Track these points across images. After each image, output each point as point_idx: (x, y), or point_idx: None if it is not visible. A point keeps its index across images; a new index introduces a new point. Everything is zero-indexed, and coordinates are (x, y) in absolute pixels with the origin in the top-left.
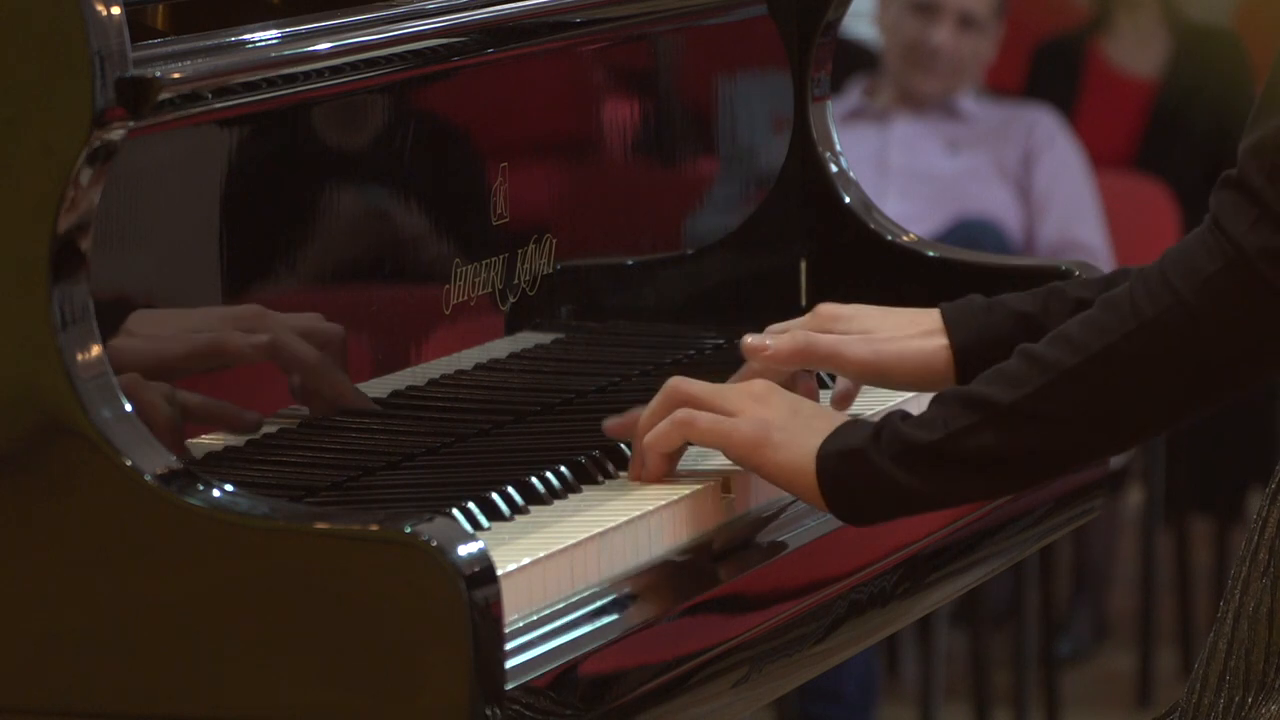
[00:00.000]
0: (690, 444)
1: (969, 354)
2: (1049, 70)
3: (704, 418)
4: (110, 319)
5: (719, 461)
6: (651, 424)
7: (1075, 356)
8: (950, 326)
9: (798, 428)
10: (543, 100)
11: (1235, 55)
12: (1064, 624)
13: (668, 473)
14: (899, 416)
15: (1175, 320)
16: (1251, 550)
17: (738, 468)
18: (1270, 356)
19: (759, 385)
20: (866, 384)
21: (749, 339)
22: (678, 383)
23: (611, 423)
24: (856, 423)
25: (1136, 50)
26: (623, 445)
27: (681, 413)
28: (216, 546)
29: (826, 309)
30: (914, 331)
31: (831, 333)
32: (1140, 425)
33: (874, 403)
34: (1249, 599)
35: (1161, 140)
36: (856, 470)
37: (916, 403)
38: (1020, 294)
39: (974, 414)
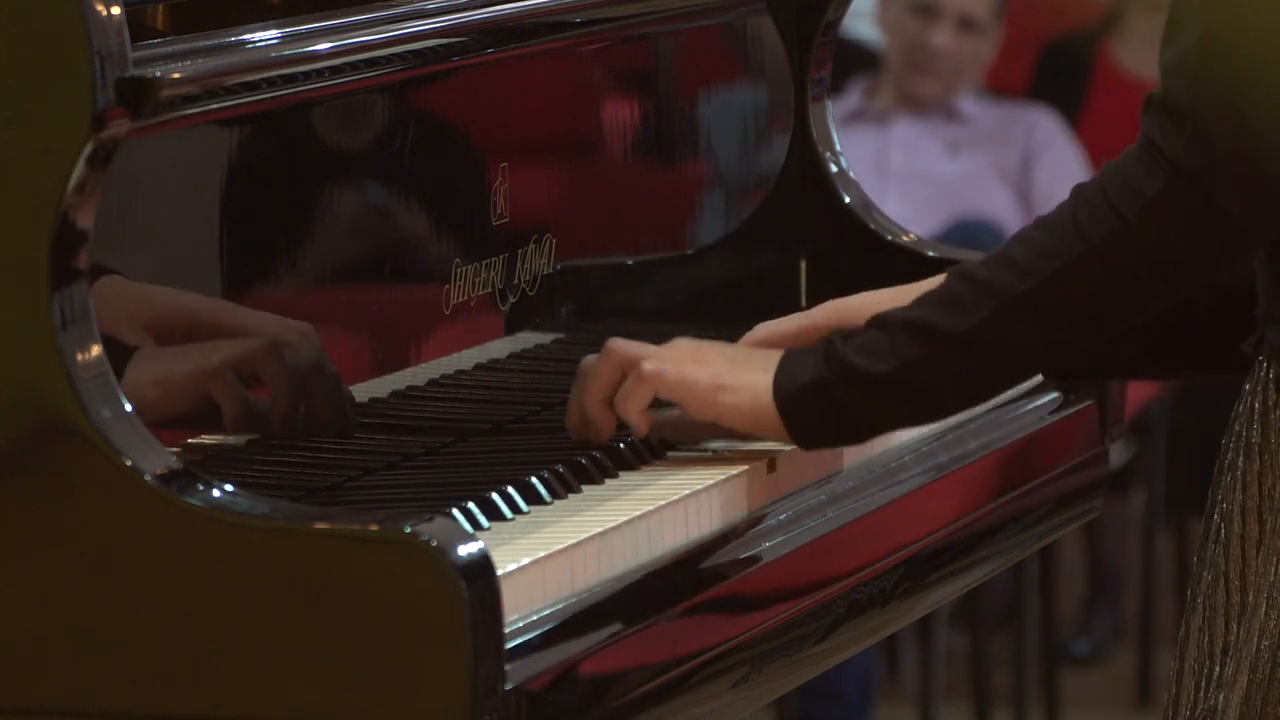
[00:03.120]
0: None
1: None
2: (1057, 70)
3: (670, 373)
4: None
5: (717, 462)
6: (602, 388)
7: (1025, 281)
8: None
9: (744, 371)
10: (543, 100)
11: None
12: (1082, 625)
13: (648, 423)
14: (841, 338)
15: (1122, 242)
16: (1204, 531)
17: (738, 470)
18: (1215, 258)
19: (687, 343)
20: None
21: None
22: (619, 345)
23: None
24: (797, 355)
25: (1146, 53)
26: (621, 445)
27: (649, 366)
28: (216, 546)
29: (835, 304)
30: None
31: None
32: (1093, 337)
33: None
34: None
35: None
36: (817, 405)
37: None
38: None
39: (925, 343)
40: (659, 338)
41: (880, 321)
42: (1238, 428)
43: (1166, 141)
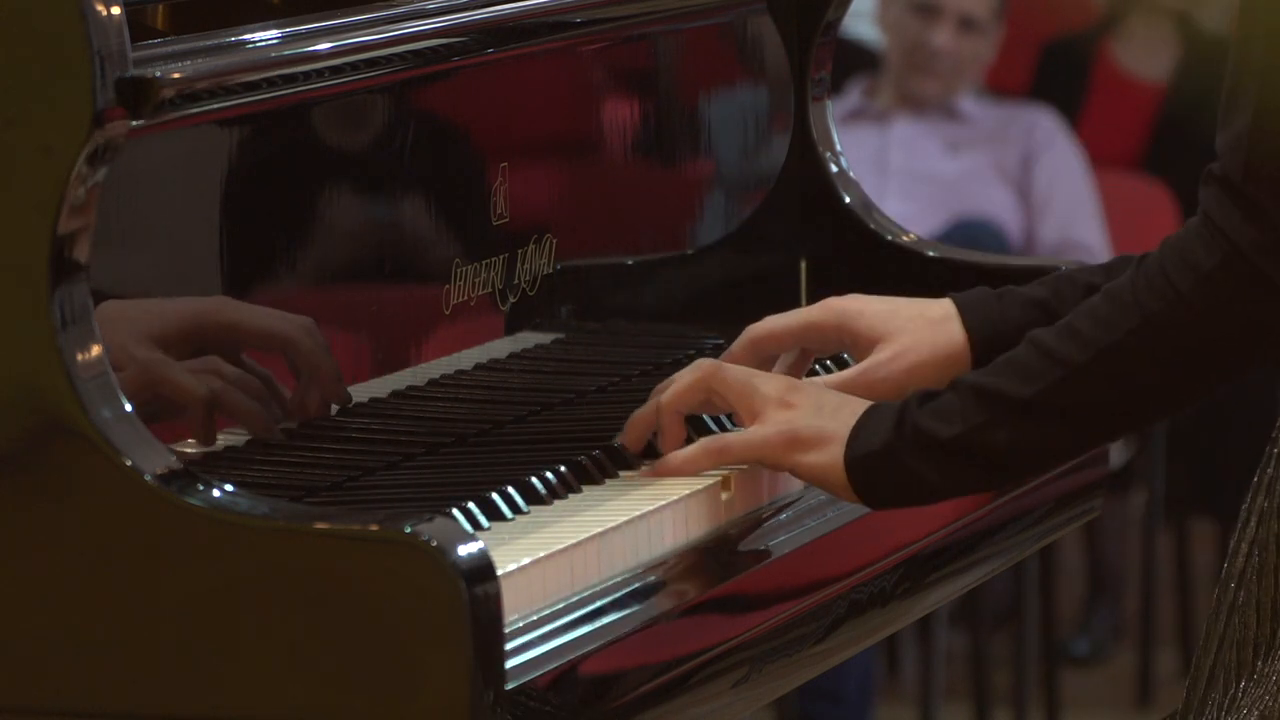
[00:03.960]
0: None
1: (986, 341)
2: (1057, 70)
3: (736, 443)
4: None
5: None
6: (677, 402)
7: (1085, 352)
8: (965, 314)
9: (825, 424)
10: (543, 100)
11: None
12: (1082, 625)
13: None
14: (917, 402)
15: (1176, 316)
16: (1236, 545)
17: (738, 467)
18: (1270, 342)
19: (786, 382)
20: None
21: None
22: (713, 369)
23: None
24: (878, 411)
25: (1146, 54)
26: (620, 445)
27: (715, 441)
28: (216, 546)
29: (833, 304)
30: (926, 324)
31: (842, 328)
32: (1147, 414)
33: None
34: (1240, 593)
35: (1167, 144)
36: (885, 468)
37: None
38: (1030, 284)
39: (990, 409)
40: (659, 338)
41: (955, 385)
42: None
43: (1223, 217)
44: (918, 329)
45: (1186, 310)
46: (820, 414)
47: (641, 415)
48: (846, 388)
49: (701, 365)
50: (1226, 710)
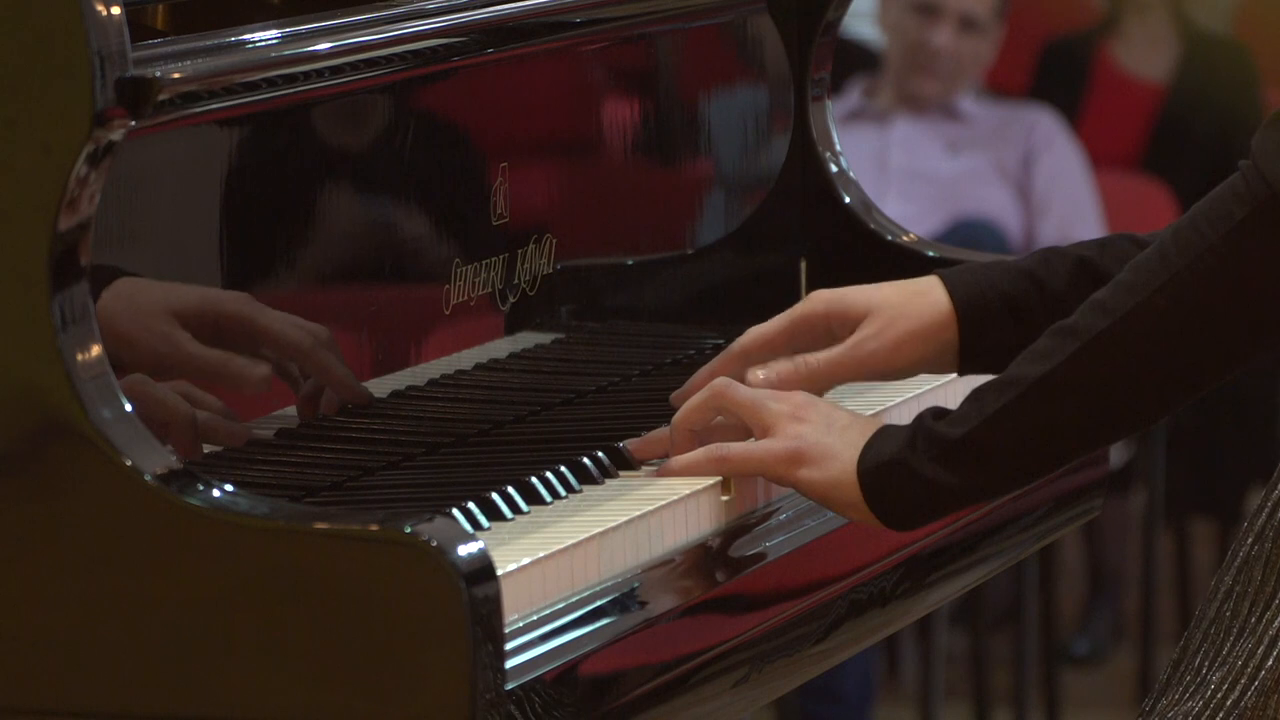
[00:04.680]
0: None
1: (971, 306)
2: (1057, 70)
3: (736, 452)
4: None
5: None
6: (689, 418)
7: (1107, 319)
8: (947, 282)
9: (833, 442)
10: (543, 100)
11: (1243, 64)
12: (1082, 625)
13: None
14: (931, 416)
15: (1206, 266)
16: (1263, 501)
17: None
18: None
19: (798, 399)
20: (875, 380)
21: (757, 373)
22: (723, 388)
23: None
24: (889, 430)
25: (1146, 54)
26: (621, 445)
27: (716, 449)
28: (216, 546)
29: (817, 294)
30: (910, 295)
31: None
32: (1177, 384)
33: (895, 394)
34: (1255, 547)
35: (1167, 144)
36: (898, 479)
37: (942, 394)
38: (1017, 257)
39: (1006, 394)
40: (659, 338)
41: (976, 390)
42: None
43: (1270, 162)
44: (902, 299)
45: (1216, 259)
46: (830, 431)
47: (658, 434)
48: (836, 364)
49: (714, 385)
50: (1214, 665)
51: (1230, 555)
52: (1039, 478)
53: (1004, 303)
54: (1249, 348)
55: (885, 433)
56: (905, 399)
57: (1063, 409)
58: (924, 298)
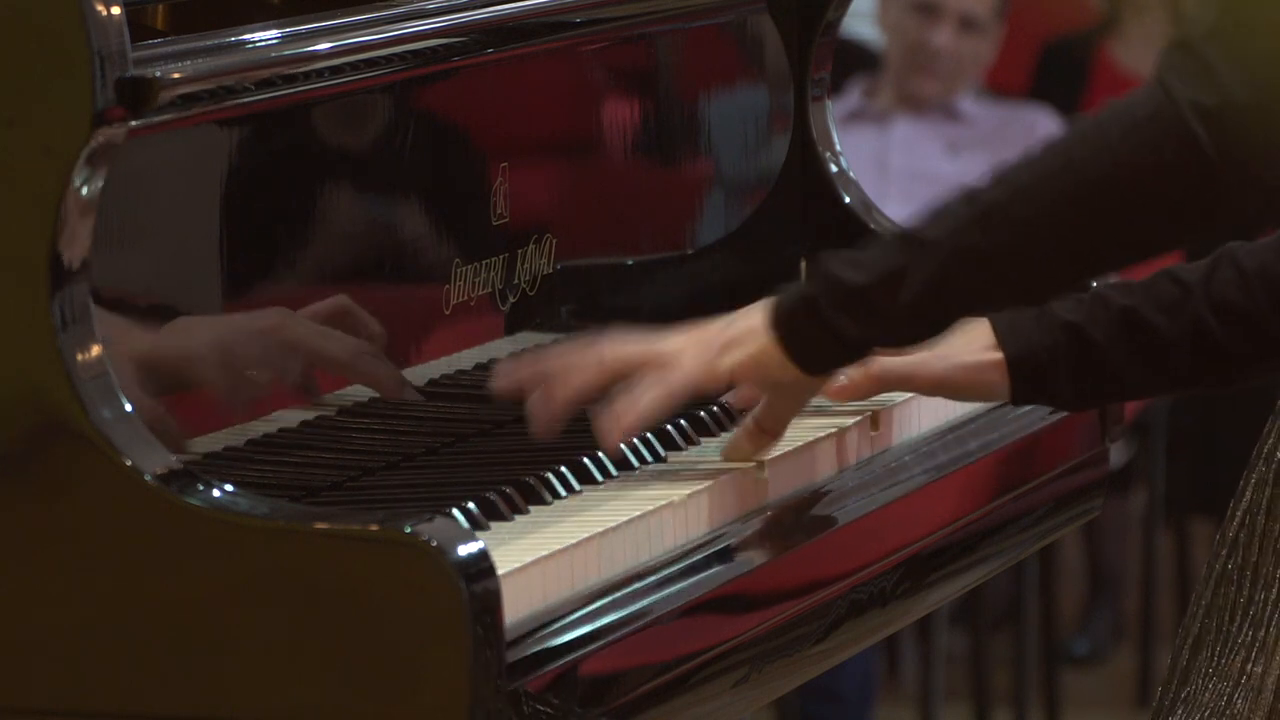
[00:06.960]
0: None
1: (1021, 364)
2: (1057, 70)
3: (674, 380)
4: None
5: (717, 462)
6: (575, 395)
7: (1003, 192)
8: (1001, 338)
9: (739, 322)
10: (543, 100)
11: None
12: (1082, 625)
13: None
14: (829, 256)
15: (1099, 161)
16: (1230, 513)
17: (738, 466)
18: (1192, 219)
19: (682, 331)
20: (933, 395)
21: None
22: (615, 352)
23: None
24: (789, 285)
25: (1146, 54)
26: (621, 447)
27: (653, 385)
28: (216, 546)
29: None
30: (975, 347)
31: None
32: (1060, 270)
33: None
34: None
35: None
36: (806, 320)
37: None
38: (1065, 302)
39: (903, 252)
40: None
41: (880, 237)
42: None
43: (1170, 71)
44: (957, 342)
45: (1111, 158)
46: (731, 322)
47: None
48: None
49: (595, 351)
50: (1212, 677)
51: (1206, 569)
52: (942, 331)
53: (1054, 360)
54: (1136, 251)
55: (786, 288)
56: (906, 398)
57: (956, 273)
58: (983, 358)
